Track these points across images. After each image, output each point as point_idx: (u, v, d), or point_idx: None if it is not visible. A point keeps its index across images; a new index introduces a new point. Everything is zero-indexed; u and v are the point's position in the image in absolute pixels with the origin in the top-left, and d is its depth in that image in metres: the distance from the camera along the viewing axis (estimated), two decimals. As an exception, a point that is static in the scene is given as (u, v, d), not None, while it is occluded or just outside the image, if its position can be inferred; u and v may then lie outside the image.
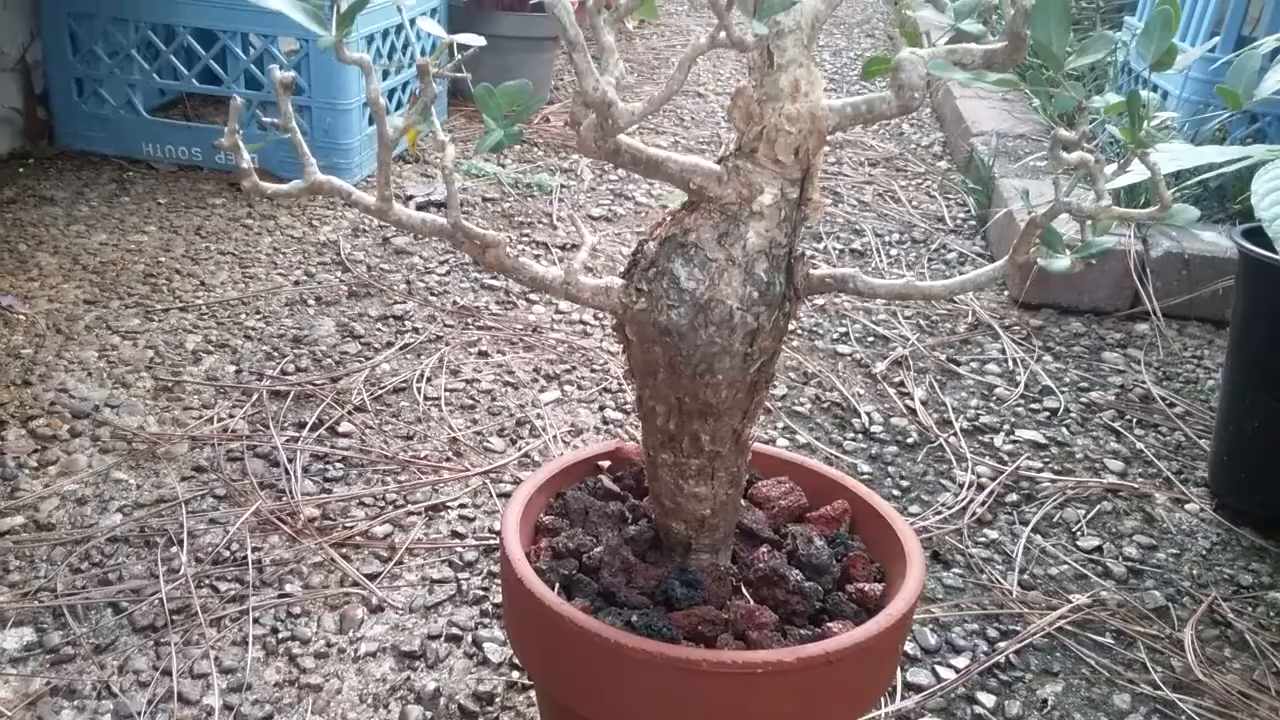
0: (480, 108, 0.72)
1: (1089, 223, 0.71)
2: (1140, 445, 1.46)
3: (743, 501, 0.87)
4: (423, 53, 2.30)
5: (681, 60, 0.67)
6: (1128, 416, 1.52)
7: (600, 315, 1.67)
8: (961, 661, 1.06)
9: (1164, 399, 1.57)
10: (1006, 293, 1.86)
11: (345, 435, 1.34)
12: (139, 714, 0.92)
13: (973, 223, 2.17)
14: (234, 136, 0.68)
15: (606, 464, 0.93)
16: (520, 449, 1.34)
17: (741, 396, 0.77)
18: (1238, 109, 0.67)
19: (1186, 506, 1.33)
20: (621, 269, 0.80)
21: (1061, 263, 0.74)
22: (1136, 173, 0.74)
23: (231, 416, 1.35)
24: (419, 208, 2.01)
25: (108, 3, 2.00)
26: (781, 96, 0.71)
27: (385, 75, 2.13)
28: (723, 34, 0.65)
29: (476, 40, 0.71)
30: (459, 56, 0.73)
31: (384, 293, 1.69)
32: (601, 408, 1.45)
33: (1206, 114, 1.94)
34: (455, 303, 1.67)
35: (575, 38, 0.66)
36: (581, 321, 1.65)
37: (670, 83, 0.68)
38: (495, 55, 2.57)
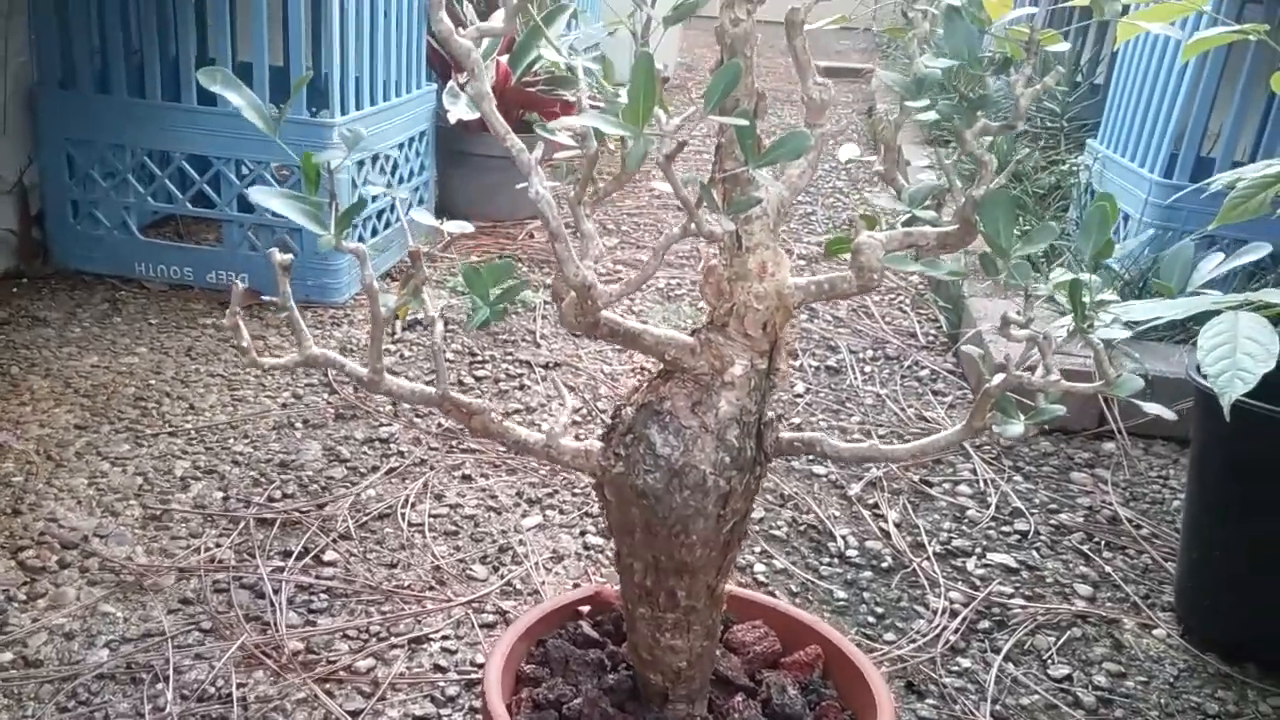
0: (468, 287, 0.77)
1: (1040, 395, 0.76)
2: (1109, 568, 1.49)
3: (718, 648, 0.90)
4: (410, 175, 2.38)
5: (656, 248, 0.72)
6: (1096, 539, 1.56)
7: (579, 412, 1.70)
8: (935, 797, 1.08)
9: (1131, 521, 1.61)
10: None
11: (330, 564, 1.36)
12: None
13: (944, 340, 2.23)
14: (235, 318, 0.73)
15: (587, 609, 0.97)
16: (503, 577, 1.36)
17: (715, 554, 0.81)
18: (1173, 296, 0.73)
19: (1154, 632, 1.37)
20: (600, 431, 0.84)
21: (1015, 429, 0.79)
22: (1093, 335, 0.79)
23: (219, 545, 1.37)
24: (405, 327, 2.06)
25: (105, 129, 2.06)
26: (750, 276, 0.77)
27: (375, 199, 2.19)
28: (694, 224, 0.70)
29: (464, 227, 0.76)
30: (449, 238, 0.78)
31: (370, 415, 1.73)
32: (583, 533, 1.48)
33: (1166, 237, 2.02)
34: (440, 424, 1.71)
35: (557, 229, 0.72)
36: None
37: (645, 268, 0.73)
38: (480, 173, 2.65)
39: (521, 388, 1.88)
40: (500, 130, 0.71)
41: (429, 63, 2.45)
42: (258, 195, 0.64)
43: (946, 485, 1.67)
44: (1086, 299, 0.74)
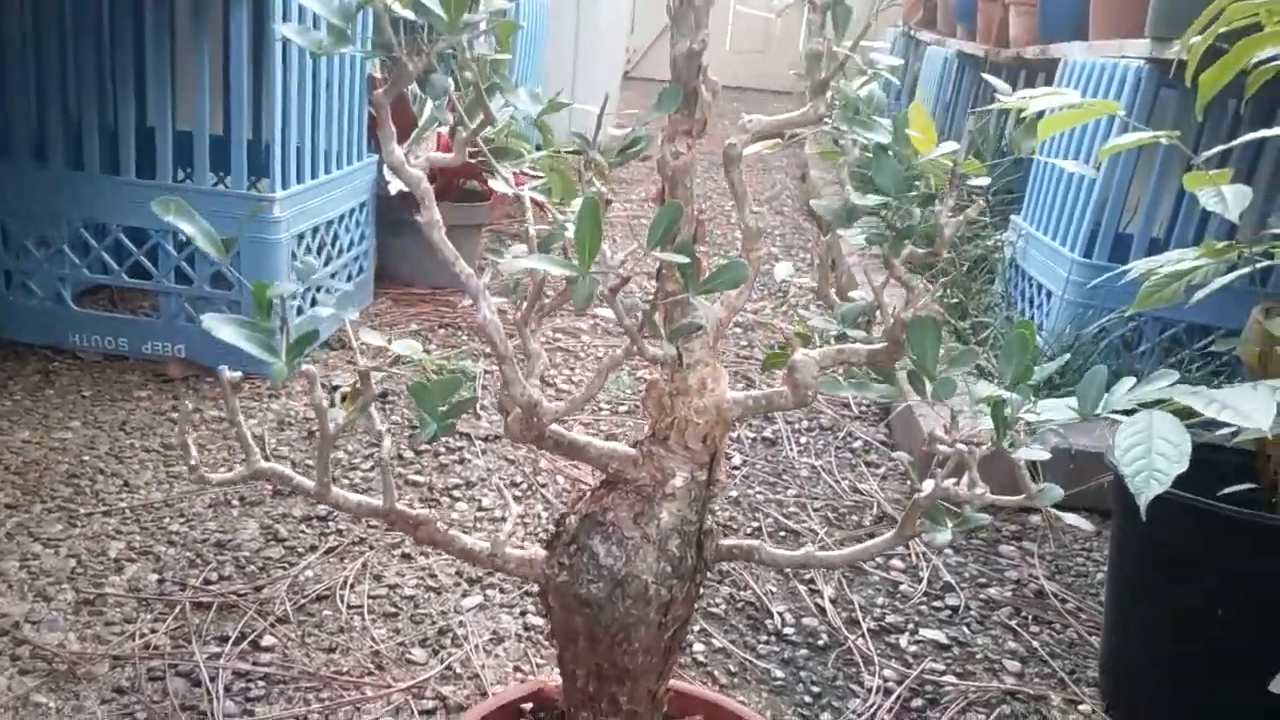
0: (416, 403, 0.79)
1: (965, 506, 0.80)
2: (1036, 643, 1.54)
3: (659, 746, 0.92)
4: (351, 244, 2.39)
5: (600, 368, 0.75)
6: (1024, 613, 1.61)
7: (522, 516, 1.72)
8: None
9: (1056, 595, 1.66)
10: (909, 482, 1.95)
11: (268, 649, 1.35)
12: None
13: (877, 410, 2.28)
14: (185, 437, 0.74)
15: (529, 706, 0.98)
16: (443, 660, 1.37)
17: (657, 660, 0.83)
18: (1087, 419, 0.77)
19: (1080, 708, 1.41)
20: (540, 507, 0.86)
21: (943, 536, 0.83)
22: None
23: (153, 631, 1.36)
24: (344, 398, 2.05)
25: (42, 201, 2.05)
26: (690, 392, 0.80)
27: (305, 285, 2.19)
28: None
29: (413, 348, 0.78)
30: (394, 358, 0.80)
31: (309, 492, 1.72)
32: (523, 612, 1.49)
33: (1086, 316, 2.10)
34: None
35: (504, 352, 0.74)
36: (502, 519, 1.70)
37: (590, 387, 0.76)
38: (420, 240, 2.66)
39: (461, 461, 1.89)
40: (450, 257, 0.74)
41: (370, 133, 2.47)
42: (210, 323, 0.66)
43: (880, 560, 1.71)
44: (1008, 413, 0.79)
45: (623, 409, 2.20)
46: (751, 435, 2.14)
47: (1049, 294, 2.28)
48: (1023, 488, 0.77)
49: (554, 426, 0.78)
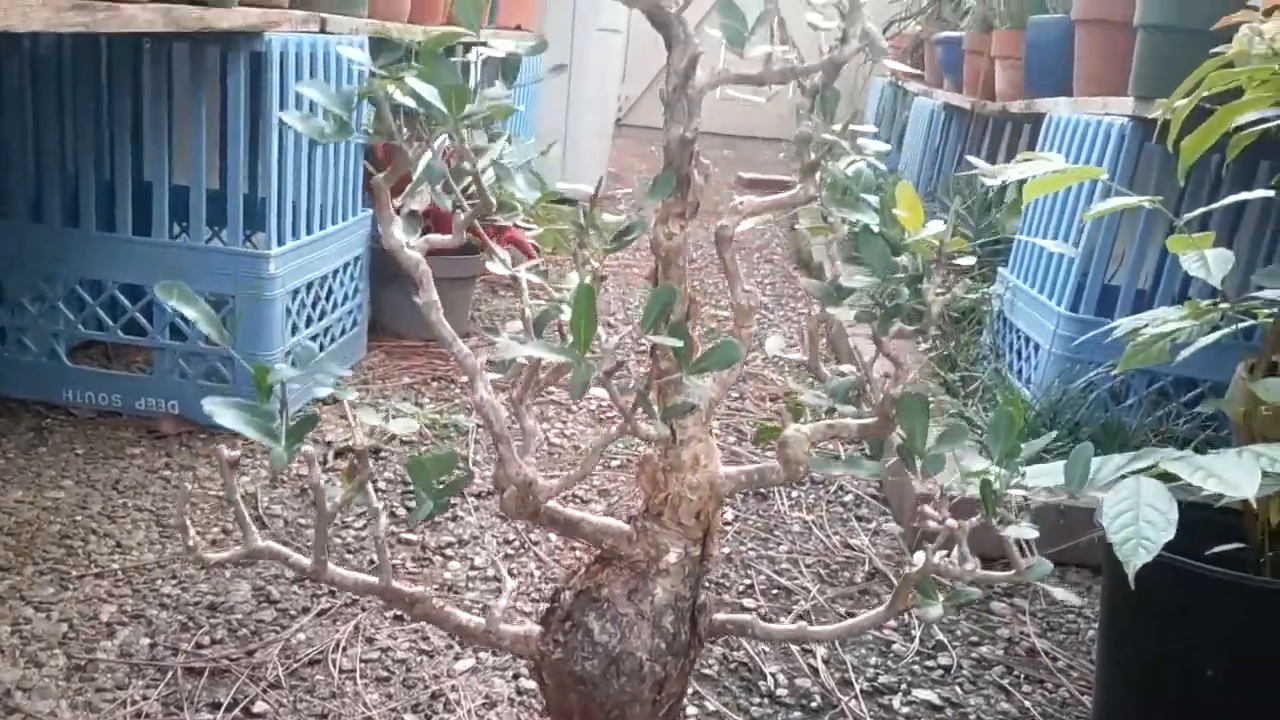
0: (411, 478, 0.80)
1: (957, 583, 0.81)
2: (1028, 703, 1.54)
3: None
4: (345, 299, 2.40)
5: (594, 445, 0.76)
6: (1016, 672, 1.61)
7: (513, 573, 1.72)
8: None
9: (1048, 653, 1.66)
10: (900, 534, 1.96)
11: (259, 716, 1.35)
12: None
13: (868, 463, 2.29)
14: (183, 519, 0.74)
15: (523, 777, 0.98)
16: (436, 725, 1.36)
17: (651, 735, 0.83)
18: (1074, 496, 0.78)
19: (1073, 769, 1.41)
20: (534, 566, 0.86)
21: (934, 611, 0.83)
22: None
23: (145, 699, 1.35)
24: (336, 454, 2.06)
25: (38, 258, 2.06)
26: (684, 468, 0.81)
27: (310, 321, 2.21)
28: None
29: (410, 426, 0.79)
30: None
31: (301, 551, 1.72)
32: (515, 675, 1.48)
33: (1073, 370, 2.12)
34: (371, 561, 1.71)
35: (500, 432, 0.75)
36: (495, 579, 1.70)
37: (583, 466, 0.77)
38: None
39: (454, 518, 1.89)
40: (447, 337, 0.75)
41: (364, 189, 2.50)
42: (211, 407, 0.67)
43: (872, 618, 1.71)
44: (997, 488, 0.80)
45: (614, 463, 2.21)
46: (743, 491, 2.14)
47: (1036, 346, 2.30)
48: (1012, 563, 0.78)
49: (550, 505, 0.79)
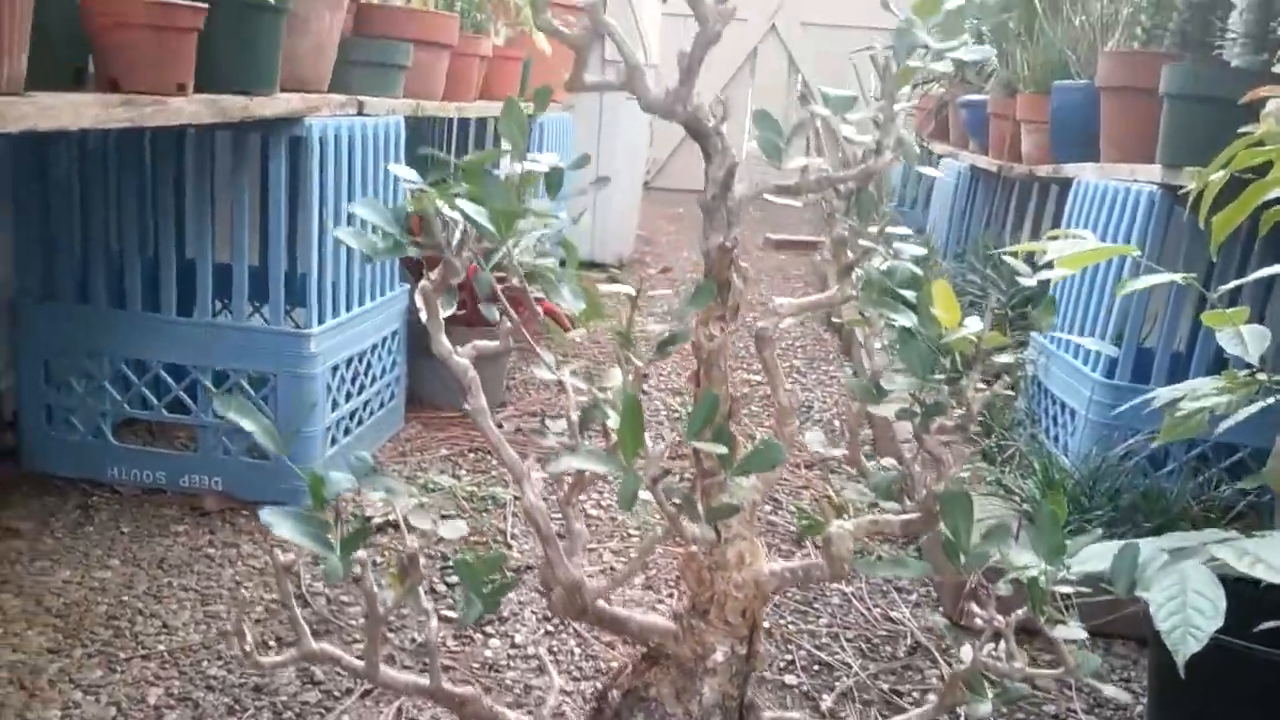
0: (461, 578, 0.81)
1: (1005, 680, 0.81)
2: (1077, 782, 1.52)
3: None
4: (383, 372, 2.44)
5: (641, 549, 0.77)
6: (1063, 749, 1.59)
7: (554, 652, 1.72)
8: None
9: (1096, 729, 1.64)
10: (941, 609, 1.95)
11: (306, 800, 1.35)
12: None
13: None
14: (240, 625, 0.76)
15: None
16: (479, 809, 1.36)
17: (700, 835, 0.83)
18: (1126, 594, 0.78)
19: None
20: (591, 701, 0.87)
21: (984, 708, 0.83)
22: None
23: (192, 783, 1.36)
24: (378, 529, 2.08)
25: (84, 339, 2.11)
26: (729, 566, 0.82)
27: (350, 396, 2.24)
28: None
29: (458, 530, 0.81)
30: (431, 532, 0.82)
31: (343, 629, 1.74)
32: (558, 756, 1.48)
33: (1112, 436, 2.11)
34: (413, 639, 1.72)
35: (548, 534, 0.76)
36: (535, 657, 1.70)
37: (631, 565, 0.78)
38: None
39: (493, 594, 1.90)
40: (495, 442, 0.77)
41: (402, 264, 2.54)
42: (268, 518, 0.69)
43: (915, 694, 1.70)
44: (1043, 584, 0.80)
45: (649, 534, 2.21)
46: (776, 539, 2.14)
47: (1073, 413, 2.29)
48: (1060, 660, 0.78)
49: (598, 605, 0.80)
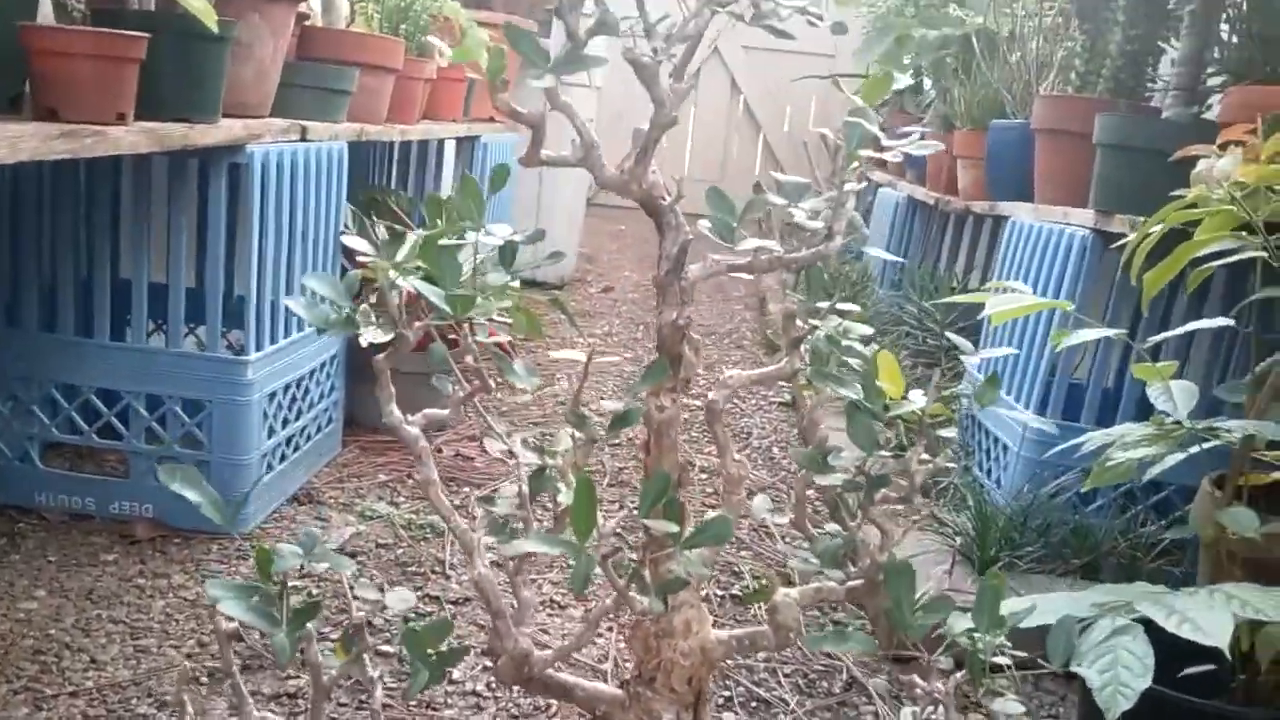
0: (407, 649, 0.81)
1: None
2: (1006, 821, 1.55)
3: None
4: (321, 397, 2.41)
5: (592, 617, 0.78)
6: (993, 788, 1.62)
7: (492, 688, 1.72)
8: None
9: (1024, 766, 1.67)
10: (877, 643, 1.97)
11: (238, 847, 1.33)
12: None
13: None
14: (185, 705, 0.75)
15: None
16: None
17: None
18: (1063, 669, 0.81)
19: None
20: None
21: (920, 773, 0.85)
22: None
23: (121, 830, 1.33)
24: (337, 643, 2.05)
25: (14, 363, 2.06)
26: (676, 634, 0.82)
27: (286, 422, 2.22)
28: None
29: (407, 600, 0.81)
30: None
31: (275, 666, 1.71)
32: (495, 798, 1.48)
33: (1043, 474, 2.16)
34: (350, 677, 1.70)
35: (498, 608, 0.77)
36: (474, 693, 1.69)
37: (580, 637, 0.78)
38: (402, 386, 2.69)
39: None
40: (445, 513, 0.77)
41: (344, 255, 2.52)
42: (214, 590, 0.68)
43: (850, 731, 1.72)
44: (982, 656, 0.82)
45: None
46: (720, 593, 2.15)
47: (1005, 448, 2.34)
48: (996, 730, 0.80)
49: (543, 673, 0.80)
